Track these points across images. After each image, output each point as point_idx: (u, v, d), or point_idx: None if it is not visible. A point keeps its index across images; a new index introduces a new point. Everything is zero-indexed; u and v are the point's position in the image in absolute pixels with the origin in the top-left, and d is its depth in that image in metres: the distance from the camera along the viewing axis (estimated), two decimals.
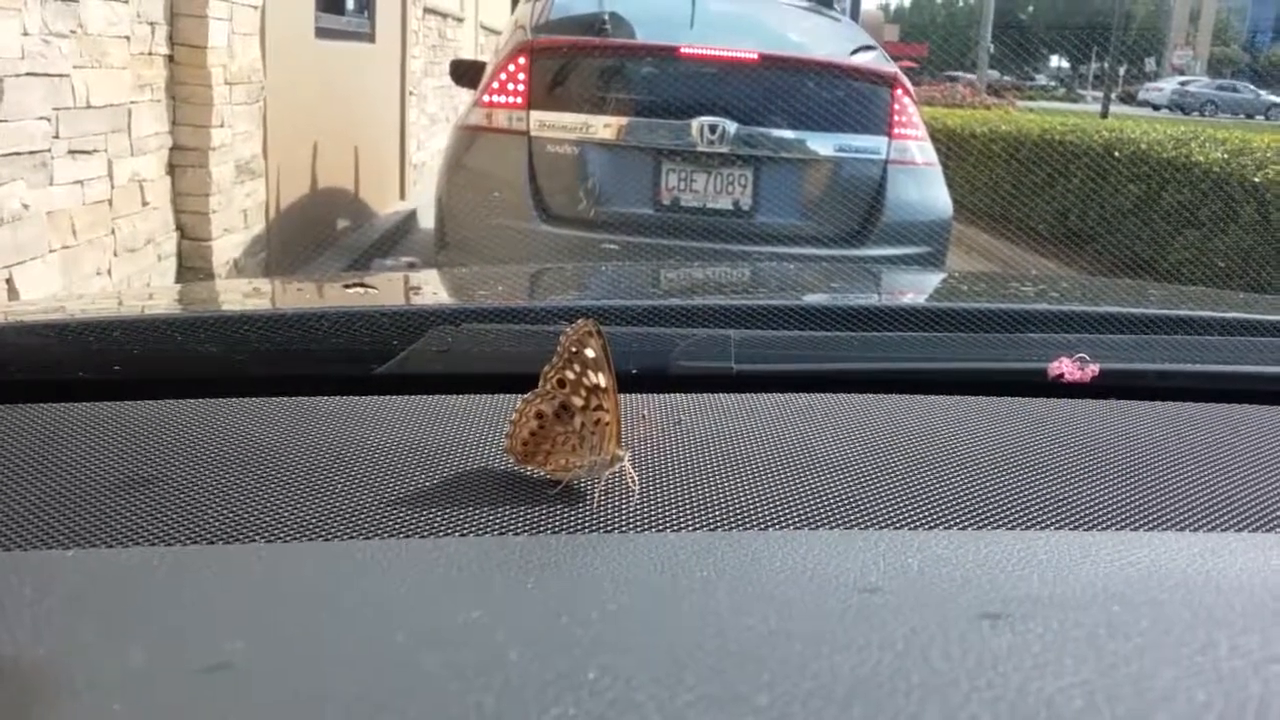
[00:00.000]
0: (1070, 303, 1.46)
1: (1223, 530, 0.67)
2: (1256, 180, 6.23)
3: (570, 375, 0.68)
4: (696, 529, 0.63)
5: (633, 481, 0.67)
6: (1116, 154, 7.77)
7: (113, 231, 4.20)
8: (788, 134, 4.18)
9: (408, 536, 0.61)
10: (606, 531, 0.62)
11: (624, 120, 4.11)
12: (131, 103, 4.29)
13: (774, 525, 0.64)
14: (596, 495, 0.66)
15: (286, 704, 0.39)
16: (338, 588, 0.52)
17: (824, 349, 1.04)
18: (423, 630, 0.46)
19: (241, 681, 0.41)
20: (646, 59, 4.34)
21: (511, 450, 0.69)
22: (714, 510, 0.66)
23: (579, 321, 0.69)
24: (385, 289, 1.46)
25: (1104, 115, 13.59)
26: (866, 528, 0.64)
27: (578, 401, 0.68)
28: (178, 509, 0.63)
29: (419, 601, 0.50)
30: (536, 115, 4.10)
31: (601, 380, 0.68)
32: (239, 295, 1.59)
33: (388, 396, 0.84)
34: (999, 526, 0.65)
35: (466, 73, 5.13)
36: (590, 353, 0.68)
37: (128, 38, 4.23)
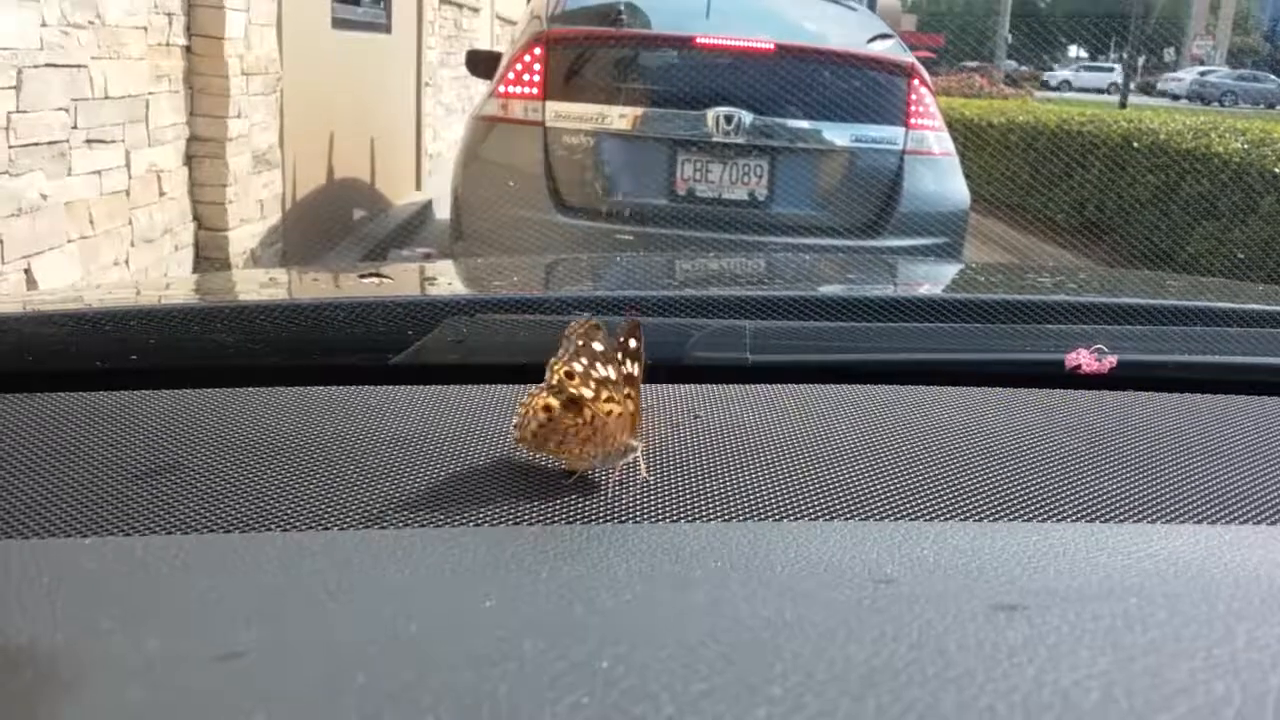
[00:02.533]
0: (1088, 294, 1.45)
1: (1241, 523, 0.66)
2: (1277, 171, 6.19)
3: (578, 367, 0.67)
4: (711, 520, 0.63)
5: (645, 471, 0.67)
6: (1135, 145, 7.73)
7: (130, 222, 4.22)
8: (804, 124, 4.16)
9: (422, 526, 0.61)
10: (620, 522, 0.62)
11: (639, 111, 4.11)
12: (149, 93, 4.31)
13: (789, 516, 0.64)
14: (611, 485, 0.66)
15: (300, 693, 0.40)
16: (352, 577, 0.52)
17: (839, 340, 1.03)
18: (436, 620, 0.46)
19: (256, 670, 0.41)
20: (662, 49, 4.34)
21: (522, 440, 0.69)
22: (728, 501, 0.65)
23: (577, 320, 0.68)
24: (401, 279, 1.46)
25: (1122, 105, 13.51)
26: (882, 519, 0.64)
27: (588, 393, 0.67)
28: (194, 498, 0.63)
29: (433, 591, 0.51)
30: (552, 106, 4.10)
31: (611, 373, 0.67)
32: (255, 285, 1.60)
33: (403, 387, 0.85)
34: (1015, 518, 0.65)
35: (482, 63, 5.13)
36: (598, 346, 0.67)
37: (145, 28, 4.24)
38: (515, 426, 0.69)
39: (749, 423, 0.79)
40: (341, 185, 6.64)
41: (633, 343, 0.69)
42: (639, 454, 0.67)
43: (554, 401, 0.67)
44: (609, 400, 0.67)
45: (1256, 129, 7.11)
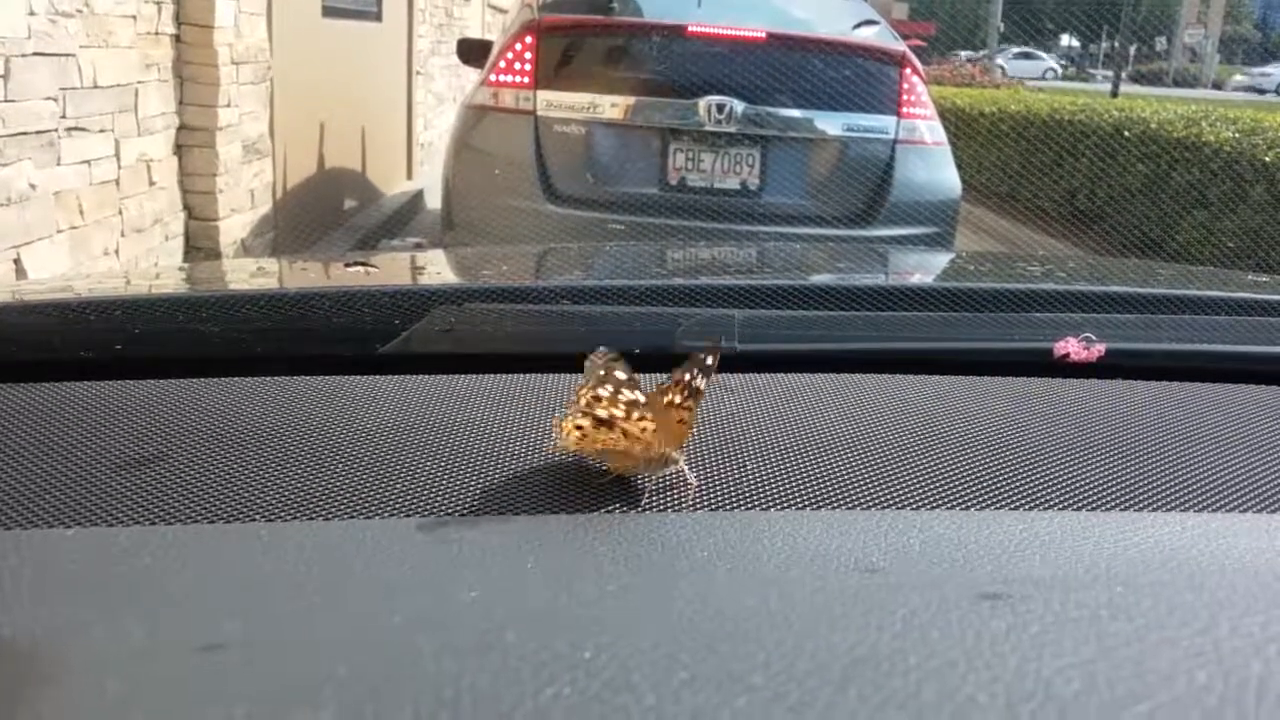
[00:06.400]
0: (1077, 282, 1.45)
1: (1227, 511, 0.67)
2: (1267, 160, 6.20)
3: (603, 393, 0.67)
4: (698, 509, 0.63)
5: (689, 483, 0.66)
6: (1126, 133, 7.73)
7: (120, 211, 4.21)
8: (795, 113, 4.16)
9: (408, 516, 0.61)
10: (607, 512, 0.62)
11: (631, 100, 4.10)
12: (139, 82, 4.29)
13: (775, 505, 0.64)
14: (644, 496, 0.65)
15: (282, 684, 0.39)
16: (336, 568, 0.52)
17: (828, 329, 1.03)
18: (420, 610, 0.46)
19: (238, 660, 0.41)
20: (653, 38, 4.33)
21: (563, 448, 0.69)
22: (715, 490, 0.65)
23: (594, 356, 0.68)
24: (390, 268, 1.45)
25: (1114, 94, 13.51)
26: (868, 508, 0.64)
27: (618, 414, 0.66)
28: (179, 488, 0.63)
29: (418, 581, 0.50)
30: (543, 95, 4.10)
31: (640, 396, 0.66)
32: (244, 275, 1.59)
33: (391, 376, 0.84)
34: (1002, 507, 0.65)
35: (473, 52, 5.11)
36: (620, 374, 0.66)
37: (134, 17, 4.22)
38: (554, 444, 0.69)
39: (737, 412, 0.79)
40: (332, 174, 6.62)
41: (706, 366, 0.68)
42: (682, 465, 0.66)
43: (584, 422, 0.67)
44: (640, 420, 0.66)
45: (1247, 118, 7.11)
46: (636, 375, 0.67)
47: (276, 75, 5.43)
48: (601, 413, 0.66)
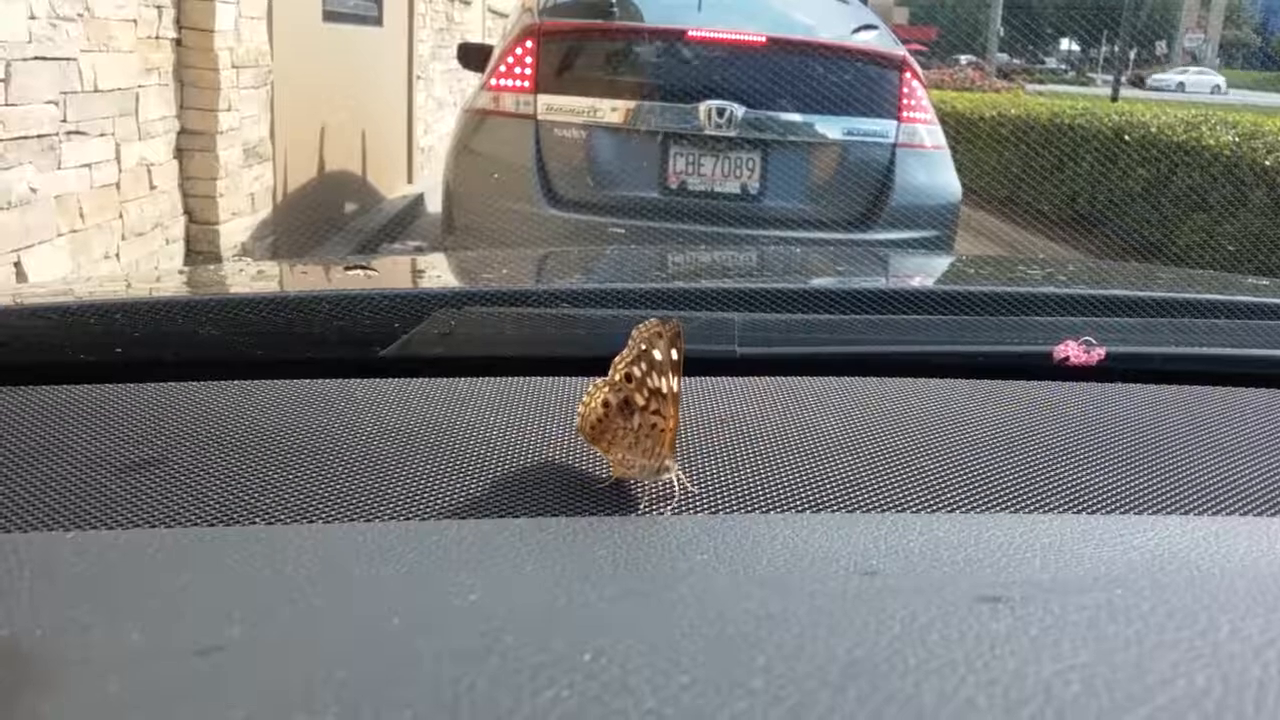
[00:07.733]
0: (1077, 286, 1.45)
1: (1227, 514, 0.67)
2: (1267, 164, 6.20)
3: (636, 372, 0.66)
4: (698, 512, 0.63)
5: (685, 490, 0.65)
6: (1126, 138, 7.73)
7: (121, 215, 4.21)
8: (796, 117, 4.16)
9: (407, 519, 0.61)
10: (607, 514, 0.62)
11: (631, 104, 4.10)
12: (139, 86, 4.29)
13: (775, 508, 0.64)
14: (643, 499, 0.65)
15: (280, 687, 0.39)
16: (336, 571, 0.52)
17: (828, 332, 1.03)
18: (419, 613, 0.46)
19: (237, 663, 0.41)
20: (654, 42, 4.33)
21: (582, 430, 0.68)
22: (715, 493, 0.65)
23: (650, 320, 0.66)
24: (389, 272, 1.45)
25: (1114, 99, 13.50)
26: (868, 510, 0.64)
27: (639, 400, 0.66)
28: (178, 492, 0.63)
29: (417, 584, 0.50)
30: (544, 99, 4.10)
31: (664, 385, 0.65)
32: (245, 278, 1.59)
33: (391, 380, 0.84)
34: (1002, 509, 0.65)
35: (474, 56, 5.12)
36: (657, 355, 0.65)
37: (135, 21, 4.23)
38: (579, 415, 0.68)
39: (737, 415, 0.79)
40: (333, 179, 6.63)
41: (674, 353, 0.65)
42: (678, 472, 0.65)
43: (612, 399, 0.67)
44: (655, 413, 0.65)
45: (1248, 122, 7.12)
46: (682, 354, 0.65)
47: (277, 79, 5.44)
48: (628, 394, 0.66)
